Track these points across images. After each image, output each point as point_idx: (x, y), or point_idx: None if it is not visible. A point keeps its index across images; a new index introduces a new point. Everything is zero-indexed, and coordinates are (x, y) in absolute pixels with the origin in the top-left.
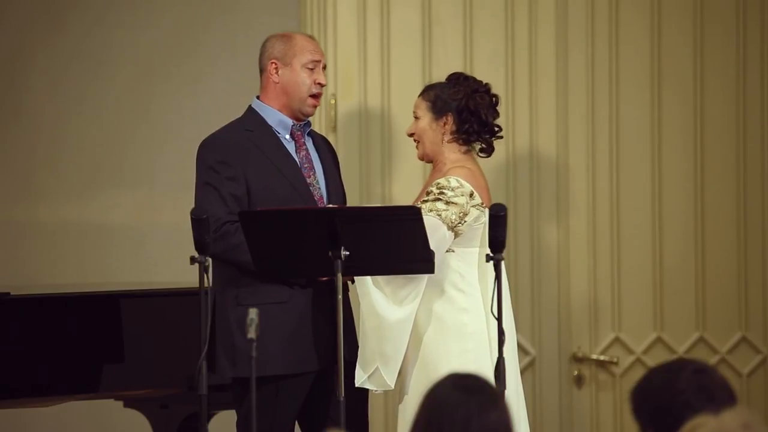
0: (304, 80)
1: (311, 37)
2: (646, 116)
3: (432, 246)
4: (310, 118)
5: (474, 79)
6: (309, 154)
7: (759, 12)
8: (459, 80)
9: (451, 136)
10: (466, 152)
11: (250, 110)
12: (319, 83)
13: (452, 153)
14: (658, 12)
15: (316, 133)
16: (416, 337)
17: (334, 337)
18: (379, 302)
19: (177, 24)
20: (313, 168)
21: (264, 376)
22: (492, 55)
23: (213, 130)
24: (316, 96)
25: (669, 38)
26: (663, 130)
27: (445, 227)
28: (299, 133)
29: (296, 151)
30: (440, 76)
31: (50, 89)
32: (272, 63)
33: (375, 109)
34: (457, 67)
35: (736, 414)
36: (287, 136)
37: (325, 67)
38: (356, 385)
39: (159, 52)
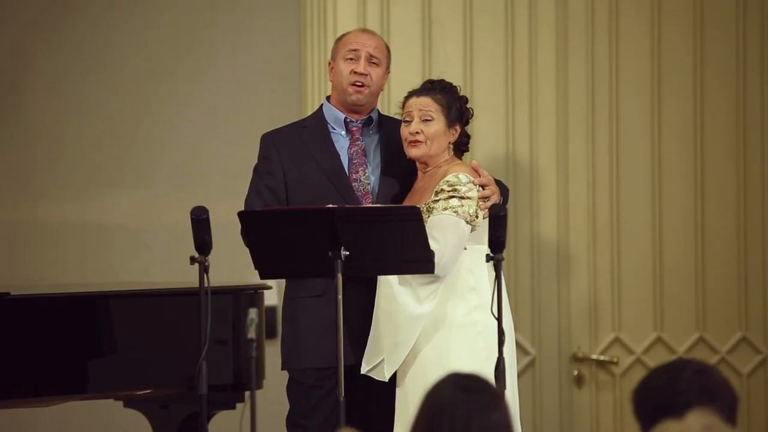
0: (342, 71)
1: (365, 31)
2: (646, 116)
3: (452, 244)
4: (374, 114)
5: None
6: (362, 150)
7: (759, 12)
8: (453, 90)
9: (449, 146)
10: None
11: (319, 108)
12: (354, 72)
13: (444, 157)
14: (658, 12)
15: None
16: (425, 335)
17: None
18: (402, 296)
19: (177, 24)
20: (366, 164)
21: (302, 368)
22: (492, 55)
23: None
24: (355, 84)
25: (669, 38)
26: (663, 130)
27: (463, 222)
28: (356, 128)
29: (349, 147)
30: (440, 76)
31: (50, 89)
32: (329, 64)
33: None
34: (457, 67)
35: (698, 416)
36: (343, 133)
37: (372, 57)
38: (362, 372)
39: (159, 51)
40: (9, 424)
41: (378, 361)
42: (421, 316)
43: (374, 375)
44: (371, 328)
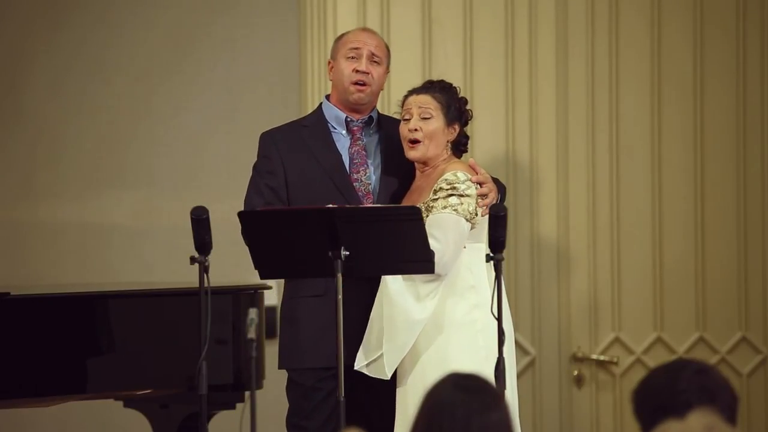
0: (343, 70)
1: (365, 30)
2: (646, 116)
3: (452, 242)
4: (374, 114)
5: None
6: (363, 150)
7: (759, 12)
8: (453, 90)
9: (449, 146)
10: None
11: (318, 107)
12: (356, 70)
13: (442, 156)
14: (658, 12)
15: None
16: (425, 334)
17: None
18: (402, 293)
19: (177, 24)
20: (366, 164)
21: (302, 368)
22: (492, 55)
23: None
24: (357, 83)
25: (669, 38)
26: (663, 130)
27: (463, 220)
28: (357, 128)
29: (350, 146)
30: (440, 75)
31: (50, 89)
32: (329, 63)
33: None
34: (457, 67)
35: (700, 416)
36: (344, 132)
37: (373, 56)
38: (355, 368)
39: (159, 51)
40: (9, 424)
41: (375, 357)
42: (420, 321)
43: (371, 372)
44: (367, 325)
